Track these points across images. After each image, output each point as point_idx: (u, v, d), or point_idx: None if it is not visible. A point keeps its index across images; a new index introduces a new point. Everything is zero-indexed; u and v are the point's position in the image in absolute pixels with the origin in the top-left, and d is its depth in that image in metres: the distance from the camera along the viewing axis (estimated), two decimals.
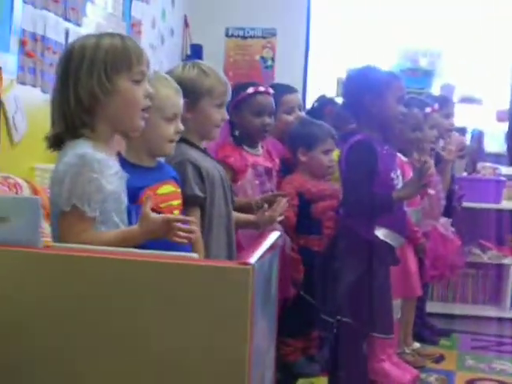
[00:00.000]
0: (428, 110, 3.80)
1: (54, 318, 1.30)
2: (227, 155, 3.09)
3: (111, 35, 1.90)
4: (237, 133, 3.22)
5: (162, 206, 2.14)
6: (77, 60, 1.83)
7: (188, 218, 1.85)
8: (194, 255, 1.35)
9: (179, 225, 1.76)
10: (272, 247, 1.47)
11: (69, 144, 1.83)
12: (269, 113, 3.22)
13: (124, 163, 2.19)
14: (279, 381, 3.44)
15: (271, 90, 3.30)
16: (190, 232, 1.77)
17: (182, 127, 2.23)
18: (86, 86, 1.80)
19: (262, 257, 1.33)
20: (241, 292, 1.24)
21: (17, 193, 3.00)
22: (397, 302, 3.61)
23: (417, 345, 3.98)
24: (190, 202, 2.40)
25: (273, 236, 1.51)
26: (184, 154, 2.44)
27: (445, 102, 4.23)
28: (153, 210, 2.03)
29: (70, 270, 1.30)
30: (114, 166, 1.82)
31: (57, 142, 1.87)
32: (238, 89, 3.25)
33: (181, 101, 2.25)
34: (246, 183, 3.08)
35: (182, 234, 1.75)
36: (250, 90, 3.24)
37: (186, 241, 1.77)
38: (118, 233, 1.78)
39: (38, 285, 1.31)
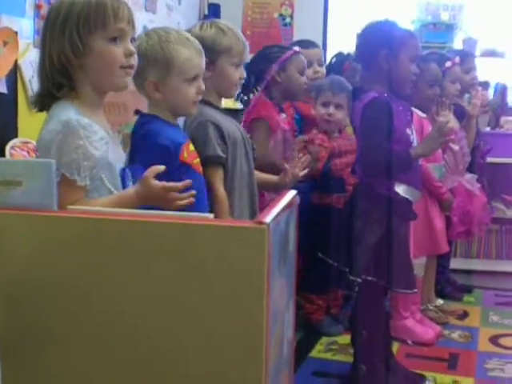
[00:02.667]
0: (448, 64, 3.74)
1: (69, 280, 1.31)
2: (269, 115, 3.23)
3: None
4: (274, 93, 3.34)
5: (194, 162, 2.19)
6: (52, 19, 1.76)
7: (187, 182, 1.79)
8: (210, 215, 1.34)
9: (177, 194, 1.75)
10: (289, 205, 1.46)
11: (54, 108, 1.77)
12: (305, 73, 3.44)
13: (155, 120, 2.19)
14: (303, 340, 3.48)
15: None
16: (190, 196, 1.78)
17: (203, 87, 2.22)
18: (58, 45, 1.73)
19: (277, 216, 1.31)
20: (256, 251, 1.23)
21: (36, 157, 3.01)
22: (422, 260, 3.61)
23: (440, 301, 3.98)
24: (212, 162, 2.41)
25: (290, 194, 1.50)
26: (205, 115, 2.44)
27: (465, 57, 4.16)
28: (189, 165, 2.13)
29: (85, 233, 1.30)
30: (99, 131, 1.74)
31: (40, 104, 1.81)
32: (274, 50, 3.36)
33: (202, 61, 2.23)
34: (274, 145, 3.22)
35: (180, 202, 1.75)
36: (296, 48, 3.42)
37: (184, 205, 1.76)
38: (113, 198, 1.74)
39: (53, 248, 1.30)
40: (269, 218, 1.27)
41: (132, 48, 1.81)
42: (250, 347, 1.27)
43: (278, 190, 2.78)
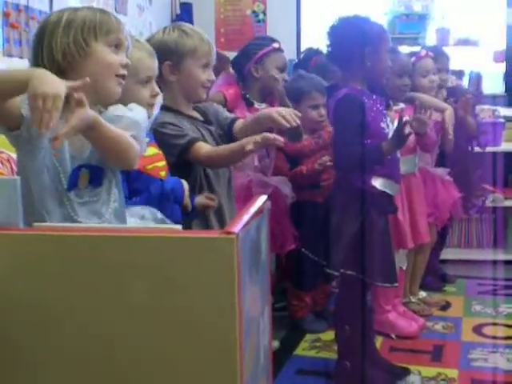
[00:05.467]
0: (412, 59, 3.73)
1: (37, 298, 1.29)
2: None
3: (90, 7, 1.85)
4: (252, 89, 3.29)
5: (148, 167, 2.15)
6: (53, 23, 1.77)
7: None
8: (178, 227, 1.32)
9: None
10: (259, 212, 1.45)
11: None
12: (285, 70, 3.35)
13: None
14: (288, 338, 3.48)
15: None
16: None
17: (157, 89, 2.19)
18: (62, 45, 1.74)
19: (247, 224, 1.30)
20: (226, 262, 1.22)
21: (11, 167, 2.98)
22: (403, 252, 3.60)
23: (423, 293, 3.98)
24: (187, 150, 2.42)
25: (260, 200, 1.49)
26: (160, 119, 2.43)
27: (439, 56, 4.10)
28: (139, 171, 2.07)
29: (53, 249, 1.28)
30: None
31: None
32: (253, 46, 3.31)
33: (155, 63, 2.20)
34: None
35: None
36: (276, 45, 3.32)
37: None
38: None
39: (20, 266, 1.29)
40: (238, 227, 1.26)
41: (127, 60, 1.83)
42: (224, 359, 1.26)
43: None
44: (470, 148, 4.24)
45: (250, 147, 2.25)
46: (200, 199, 2.41)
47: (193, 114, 2.57)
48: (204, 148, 2.41)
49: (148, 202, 2.10)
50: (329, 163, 3.29)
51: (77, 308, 1.30)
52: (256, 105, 3.29)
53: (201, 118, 2.59)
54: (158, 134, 2.35)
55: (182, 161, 2.41)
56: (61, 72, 1.75)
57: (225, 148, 2.44)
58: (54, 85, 1.50)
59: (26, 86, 1.49)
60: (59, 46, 1.75)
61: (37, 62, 1.79)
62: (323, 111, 3.40)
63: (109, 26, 1.80)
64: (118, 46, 1.82)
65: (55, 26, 1.77)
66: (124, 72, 1.83)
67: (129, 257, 1.27)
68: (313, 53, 4.01)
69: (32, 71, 1.57)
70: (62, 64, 1.75)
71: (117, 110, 1.80)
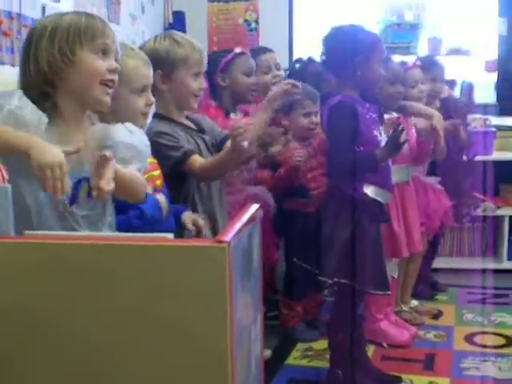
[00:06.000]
0: None
1: (27, 306, 1.29)
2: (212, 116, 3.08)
3: (76, 12, 1.85)
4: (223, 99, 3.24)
5: (144, 177, 2.12)
6: (39, 32, 1.77)
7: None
8: (169, 235, 1.32)
9: None
10: (251, 219, 1.44)
11: None
12: (252, 74, 3.27)
13: None
14: (279, 347, 3.47)
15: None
16: None
17: (153, 99, 2.17)
18: (47, 54, 1.74)
19: (238, 232, 1.30)
20: (218, 271, 1.22)
21: (2, 175, 2.97)
22: (395, 261, 3.59)
23: (414, 302, 3.97)
24: (181, 162, 2.44)
25: (252, 208, 1.48)
26: (154, 128, 2.42)
27: (432, 65, 4.10)
28: None
29: (44, 258, 1.28)
30: None
31: None
32: (219, 55, 3.29)
33: (150, 72, 2.18)
34: None
35: None
36: (238, 50, 3.27)
37: None
38: None
39: (12, 274, 1.28)
40: (229, 235, 1.26)
41: (116, 64, 1.82)
42: (216, 367, 1.25)
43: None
44: (461, 157, 4.24)
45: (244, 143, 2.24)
46: (187, 218, 2.35)
47: (186, 123, 2.57)
48: (198, 161, 2.41)
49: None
50: (302, 160, 3.27)
51: (68, 316, 1.29)
52: (231, 115, 3.26)
53: (194, 127, 2.59)
54: (153, 144, 2.34)
55: (175, 172, 2.40)
56: (47, 82, 1.76)
57: (219, 156, 2.43)
58: (54, 153, 1.57)
59: (25, 154, 1.57)
60: (44, 55, 1.75)
61: (24, 69, 1.78)
62: (315, 119, 3.40)
63: (94, 32, 1.78)
64: (105, 52, 1.80)
65: (42, 33, 1.77)
66: (111, 77, 1.81)
67: (121, 265, 1.27)
68: (306, 62, 4.01)
69: (29, 141, 1.60)
70: (47, 72, 1.75)
71: (119, 131, 1.80)
